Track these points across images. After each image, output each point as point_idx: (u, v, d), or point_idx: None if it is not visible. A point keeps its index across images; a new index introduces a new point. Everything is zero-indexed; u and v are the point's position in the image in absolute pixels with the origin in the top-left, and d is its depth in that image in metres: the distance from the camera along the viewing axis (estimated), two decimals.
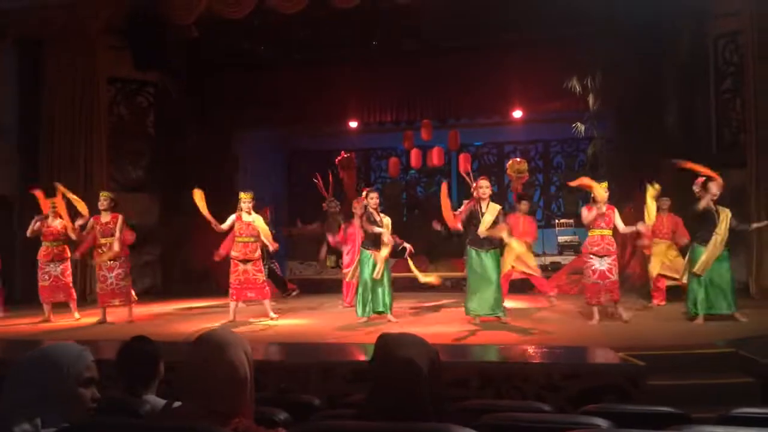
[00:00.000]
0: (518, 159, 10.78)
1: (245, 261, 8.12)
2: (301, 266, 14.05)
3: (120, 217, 8.26)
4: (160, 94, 12.42)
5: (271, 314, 8.13)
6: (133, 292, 8.39)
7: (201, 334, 1.94)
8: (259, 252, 8.26)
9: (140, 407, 2.73)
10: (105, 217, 8.24)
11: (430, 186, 15.36)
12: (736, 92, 10.15)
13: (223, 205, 12.92)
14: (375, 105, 13.06)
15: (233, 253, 8.18)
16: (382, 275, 7.72)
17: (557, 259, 12.63)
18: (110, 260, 8.12)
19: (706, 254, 7.09)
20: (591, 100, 11.21)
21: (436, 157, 14.14)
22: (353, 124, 13.98)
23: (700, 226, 7.29)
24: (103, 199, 8.29)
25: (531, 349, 5.91)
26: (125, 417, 2.64)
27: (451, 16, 10.86)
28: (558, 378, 4.64)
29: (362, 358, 5.38)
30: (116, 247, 8.09)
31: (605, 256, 7.31)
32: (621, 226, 7.47)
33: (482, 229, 7.30)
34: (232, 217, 8.21)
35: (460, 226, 7.60)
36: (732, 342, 5.78)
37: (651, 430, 2.41)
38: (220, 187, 12.91)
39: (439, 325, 7.64)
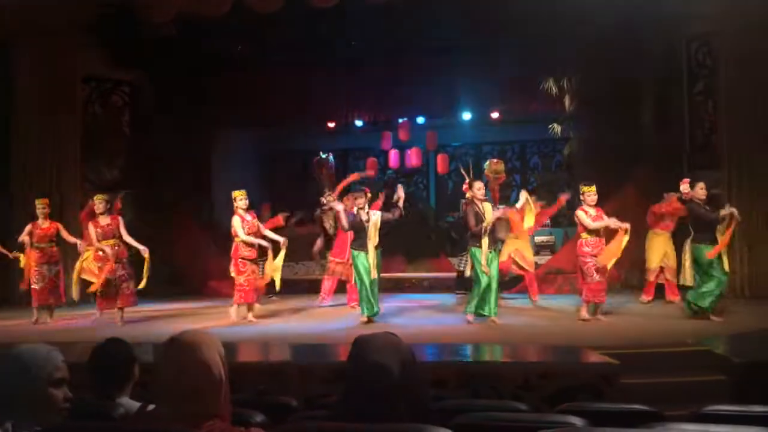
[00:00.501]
0: (495, 160, 10.83)
1: (254, 261, 8.09)
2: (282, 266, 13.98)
3: (120, 219, 8.27)
4: (136, 93, 12.29)
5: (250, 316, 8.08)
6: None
7: (173, 336, 1.92)
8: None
9: (114, 410, 2.70)
10: (104, 220, 8.16)
11: (407, 186, 15.38)
12: (708, 94, 10.30)
13: (200, 206, 12.86)
14: (353, 105, 13.07)
15: (245, 253, 8.05)
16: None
17: (534, 258, 12.69)
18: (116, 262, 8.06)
19: (725, 254, 7.20)
20: (567, 101, 11.32)
21: (414, 158, 14.17)
22: (331, 125, 13.95)
23: (701, 226, 7.31)
24: (99, 203, 8.19)
25: (507, 349, 5.95)
26: (98, 420, 2.61)
27: (429, 17, 10.89)
28: (534, 377, 4.67)
29: (341, 358, 5.37)
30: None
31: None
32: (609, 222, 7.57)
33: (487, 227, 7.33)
34: (239, 222, 8.05)
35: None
36: (704, 341, 5.87)
37: (625, 428, 2.44)
38: (198, 187, 12.85)
39: (417, 324, 7.66)
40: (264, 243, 8.12)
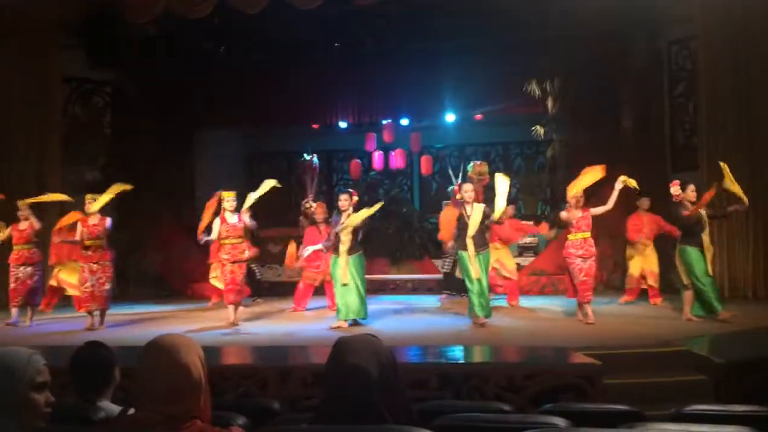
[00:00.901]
0: (479, 162, 10.86)
1: (234, 262, 7.99)
2: (263, 269, 13.92)
3: (108, 220, 8.14)
4: (117, 93, 12.19)
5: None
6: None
7: (152, 339, 1.93)
8: (246, 253, 8.15)
9: (94, 414, 2.67)
10: (93, 219, 8.05)
11: (392, 188, 15.38)
12: (688, 97, 10.42)
13: (182, 208, 12.77)
14: (337, 107, 13.05)
15: (223, 256, 8.00)
16: (355, 278, 7.55)
17: (518, 260, 12.75)
18: (94, 263, 7.93)
19: (709, 255, 7.22)
20: (550, 103, 11.39)
21: (398, 159, 14.18)
22: (315, 126, 13.92)
23: (687, 229, 7.32)
24: (88, 202, 8.10)
25: (490, 350, 5.96)
26: (79, 424, 2.59)
27: (413, 19, 10.91)
28: (517, 378, 4.69)
29: (322, 360, 5.34)
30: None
31: (588, 258, 7.43)
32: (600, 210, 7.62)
33: (471, 233, 7.32)
34: (217, 222, 7.99)
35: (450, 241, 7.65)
36: (685, 341, 5.92)
37: (607, 428, 2.45)
38: (180, 188, 12.76)
39: (401, 325, 7.65)
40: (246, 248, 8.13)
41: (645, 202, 8.86)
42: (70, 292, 8.93)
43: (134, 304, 10.24)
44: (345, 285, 7.47)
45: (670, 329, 6.74)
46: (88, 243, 7.96)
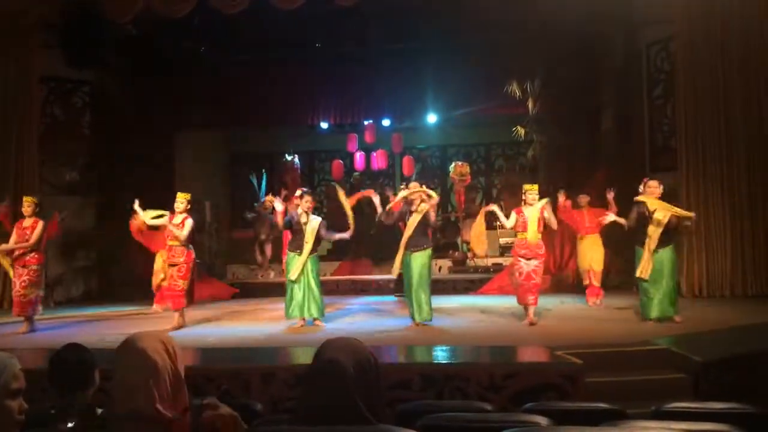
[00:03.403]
0: (461, 162, 10.91)
1: (171, 265, 7.74)
2: (240, 269, 13.86)
3: (40, 224, 7.79)
4: (97, 93, 12.06)
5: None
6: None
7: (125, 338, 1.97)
8: (183, 257, 7.71)
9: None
10: (27, 222, 7.81)
11: (374, 188, 15.37)
12: (667, 98, 10.53)
13: (163, 208, 12.64)
14: (318, 107, 13.01)
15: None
16: (309, 279, 7.54)
17: (499, 260, 12.82)
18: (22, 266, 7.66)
19: (646, 256, 7.05)
20: (530, 104, 11.45)
21: (379, 160, 14.18)
22: (297, 126, 13.88)
23: (638, 227, 7.25)
24: (27, 205, 7.86)
25: (472, 350, 5.98)
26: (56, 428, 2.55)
27: (394, 20, 10.92)
28: (499, 378, 4.70)
29: (305, 362, 5.33)
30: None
31: (532, 258, 7.35)
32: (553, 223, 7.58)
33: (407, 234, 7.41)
34: (166, 215, 7.88)
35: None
36: (665, 340, 5.98)
37: (589, 427, 2.47)
38: (160, 189, 12.64)
39: (382, 326, 7.65)
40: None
41: (582, 199, 8.96)
42: None
43: (115, 305, 10.16)
44: (296, 283, 7.49)
45: (649, 328, 6.80)
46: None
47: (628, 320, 7.53)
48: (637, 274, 7.13)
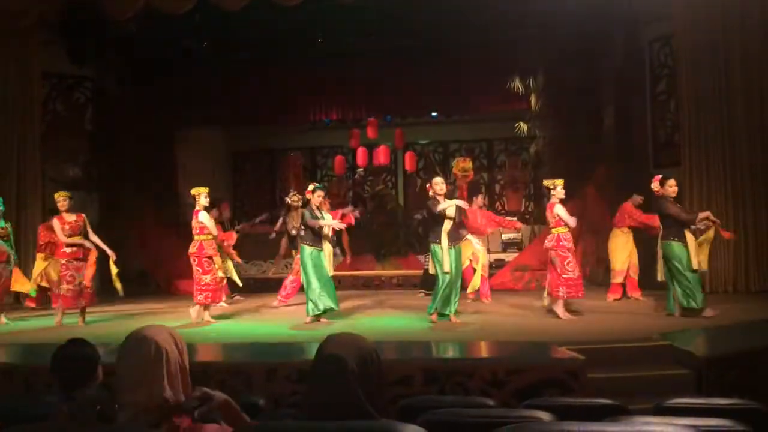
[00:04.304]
0: (463, 158, 10.89)
1: (74, 260, 7.74)
2: (246, 265, 13.87)
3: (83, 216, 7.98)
4: (98, 90, 12.07)
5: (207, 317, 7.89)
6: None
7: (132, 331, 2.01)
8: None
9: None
10: (70, 217, 7.86)
11: (376, 184, 15.39)
12: (670, 94, 10.50)
13: (163, 204, 12.68)
14: (321, 103, 13.03)
15: (210, 251, 7.75)
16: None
17: (501, 256, 12.83)
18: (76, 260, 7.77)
19: (692, 249, 7.18)
20: (533, 100, 11.44)
21: (382, 156, 14.18)
22: (299, 123, 13.88)
23: (670, 223, 7.31)
24: (62, 200, 7.89)
25: (474, 345, 5.98)
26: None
27: (395, 16, 10.90)
28: (501, 373, 4.70)
29: (307, 357, 5.34)
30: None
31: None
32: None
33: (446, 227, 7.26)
34: (207, 217, 7.84)
35: None
36: (667, 335, 5.98)
37: (591, 422, 2.47)
38: (163, 185, 12.68)
39: (385, 322, 7.66)
40: None
41: (637, 200, 8.91)
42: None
43: (117, 301, 10.16)
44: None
45: (652, 324, 6.79)
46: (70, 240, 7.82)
47: (633, 315, 7.54)
48: (695, 266, 7.18)
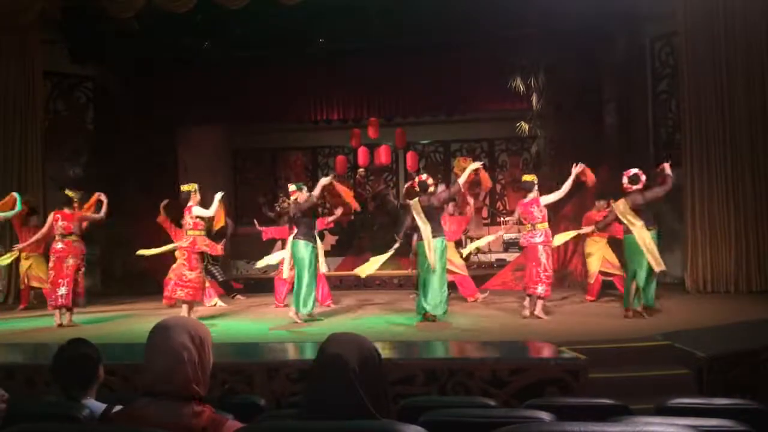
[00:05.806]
0: (464, 157, 10.89)
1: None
2: (246, 265, 13.87)
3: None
4: (100, 89, 12.07)
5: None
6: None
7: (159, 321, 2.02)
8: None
9: (79, 412, 2.65)
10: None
11: (377, 184, 15.38)
12: (671, 93, 10.49)
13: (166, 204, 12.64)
14: (322, 103, 13.00)
15: (203, 247, 7.82)
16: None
17: (503, 256, 12.83)
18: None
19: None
20: (534, 99, 11.42)
21: (383, 155, 14.17)
22: (300, 122, 13.87)
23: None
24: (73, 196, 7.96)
25: (475, 345, 5.98)
26: (63, 422, 2.56)
27: (398, 15, 10.89)
28: (502, 373, 4.70)
29: (307, 357, 5.34)
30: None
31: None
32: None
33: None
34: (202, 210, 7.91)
35: None
36: (668, 335, 5.97)
37: (592, 422, 2.46)
38: (164, 185, 12.65)
39: (385, 322, 7.66)
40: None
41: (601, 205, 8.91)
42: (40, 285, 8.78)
43: (118, 300, 10.19)
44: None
45: (652, 324, 6.78)
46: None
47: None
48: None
